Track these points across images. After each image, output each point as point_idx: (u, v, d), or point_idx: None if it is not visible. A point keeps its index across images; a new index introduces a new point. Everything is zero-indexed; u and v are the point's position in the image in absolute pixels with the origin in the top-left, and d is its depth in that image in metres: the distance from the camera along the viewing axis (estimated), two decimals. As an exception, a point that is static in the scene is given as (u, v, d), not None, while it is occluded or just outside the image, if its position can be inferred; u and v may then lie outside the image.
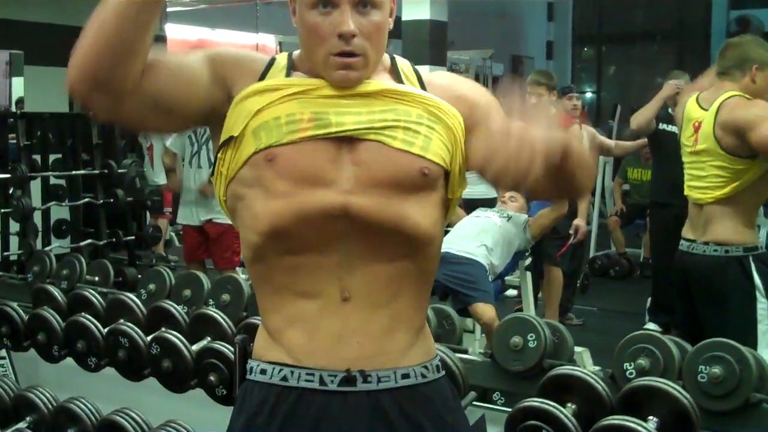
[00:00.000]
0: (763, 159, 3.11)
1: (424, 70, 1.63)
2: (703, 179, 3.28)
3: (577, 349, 3.27)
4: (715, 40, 13.15)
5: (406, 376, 1.51)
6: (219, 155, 1.51)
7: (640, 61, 19.90)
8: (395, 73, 1.58)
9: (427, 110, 1.51)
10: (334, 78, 1.48)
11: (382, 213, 1.45)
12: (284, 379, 1.49)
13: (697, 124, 3.32)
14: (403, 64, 1.60)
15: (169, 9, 9.92)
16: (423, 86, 1.57)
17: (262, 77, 1.53)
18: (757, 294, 3.16)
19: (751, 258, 3.20)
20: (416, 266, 1.52)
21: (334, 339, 1.47)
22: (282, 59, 1.57)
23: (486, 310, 4.47)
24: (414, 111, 1.50)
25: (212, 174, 1.56)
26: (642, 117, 5.52)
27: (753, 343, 3.07)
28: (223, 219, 5.64)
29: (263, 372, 1.52)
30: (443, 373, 1.61)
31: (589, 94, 15.81)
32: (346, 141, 1.47)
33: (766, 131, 3.01)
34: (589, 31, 20.29)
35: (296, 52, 1.58)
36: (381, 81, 1.54)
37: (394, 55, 1.61)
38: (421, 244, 1.51)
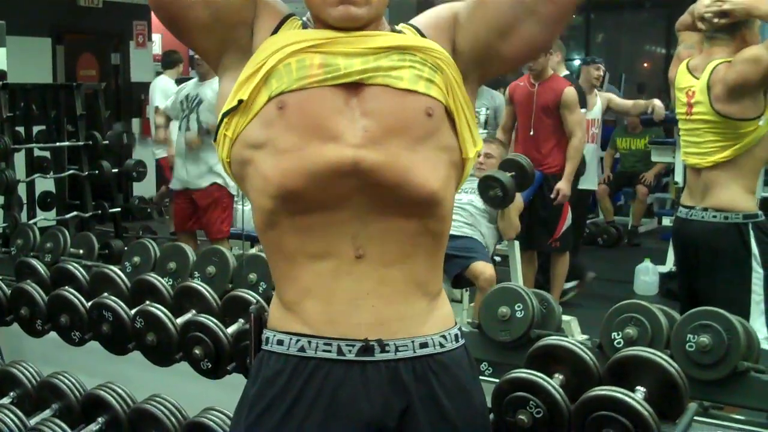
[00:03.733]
0: (765, 122, 3.06)
1: (416, 20, 1.61)
2: (700, 145, 3.23)
3: (565, 318, 3.26)
4: (704, 6, 13.07)
5: (424, 345, 1.50)
6: (225, 120, 1.48)
7: (629, 29, 19.82)
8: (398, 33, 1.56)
9: (433, 59, 1.49)
10: (334, 15, 1.45)
11: (392, 169, 1.43)
12: (302, 349, 1.47)
13: (690, 93, 3.27)
14: (402, 26, 1.58)
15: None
16: (422, 36, 1.56)
17: (280, 25, 1.52)
18: (753, 263, 3.12)
19: (750, 225, 3.15)
20: (427, 227, 1.50)
21: (349, 303, 1.46)
22: (297, 18, 1.55)
23: (486, 267, 4.45)
24: (419, 56, 1.49)
25: (215, 139, 1.52)
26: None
27: (746, 313, 3.04)
28: (216, 180, 5.63)
29: (280, 342, 1.49)
30: (462, 342, 1.59)
31: (577, 62, 15.75)
32: (354, 90, 1.45)
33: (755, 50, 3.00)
34: (578, -3, 20.20)
35: (308, 14, 1.56)
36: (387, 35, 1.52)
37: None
38: (429, 203, 1.48)
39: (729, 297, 3.10)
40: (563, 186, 5.36)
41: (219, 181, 5.69)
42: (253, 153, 1.45)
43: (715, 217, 3.20)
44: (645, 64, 19.83)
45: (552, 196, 5.35)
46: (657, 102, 7.08)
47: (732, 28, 3.15)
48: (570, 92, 5.40)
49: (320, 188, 1.42)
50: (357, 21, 1.46)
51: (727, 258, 3.20)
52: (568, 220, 5.59)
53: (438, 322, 1.54)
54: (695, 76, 3.27)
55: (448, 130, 1.50)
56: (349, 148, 1.41)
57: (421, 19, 1.59)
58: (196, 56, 5.69)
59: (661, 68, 19.38)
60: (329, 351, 1.46)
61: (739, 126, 3.11)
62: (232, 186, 5.75)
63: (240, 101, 1.45)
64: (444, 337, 1.54)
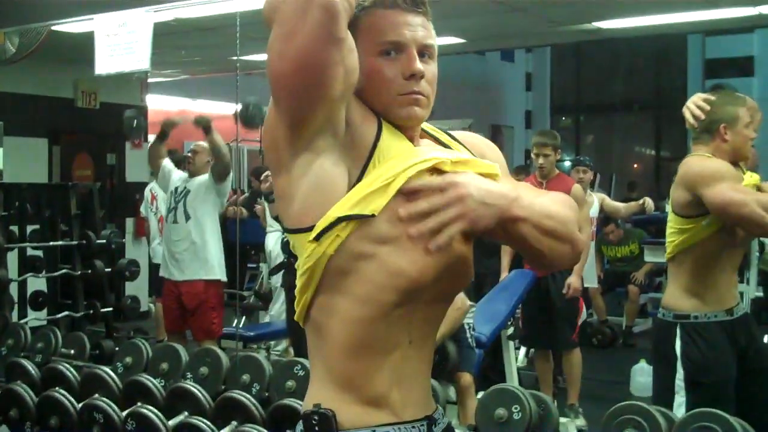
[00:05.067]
0: (707, 223, 3.03)
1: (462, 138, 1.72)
2: (666, 241, 3.25)
3: (562, 420, 3.21)
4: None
5: (443, 414, 1.64)
6: (343, 223, 1.47)
7: (618, 130, 20.15)
8: (431, 137, 1.66)
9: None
10: (401, 115, 1.55)
11: (470, 262, 1.58)
12: None
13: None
14: (430, 128, 1.68)
15: (150, 80, 9.95)
16: (461, 144, 1.68)
17: (380, 130, 1.54)
18: (677, 365, 3.05)
19: (678, 326, 3.08)
20: (446, 310, 1.64)
21: (411, 384, 1.56)
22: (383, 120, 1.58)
23: (465, 376, 4.43)
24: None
25: (319, 235, 1.48)
26: None
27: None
28: (203, 277, 5.62)
29: None
30: None
31: (567, 163, 15.97)
32: None
33: (722, 190, 2.94)
34: (567, 100, 20.59)
35: None
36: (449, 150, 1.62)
37: None
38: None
39: (658, 396, 3.07)
40: (574, 280, 5.39)
41: (204, 276, 5.68)
42: (377, 248, 1.48)
43: (659, 314, 3.21)
44: (635, 165, 20.08)
45: (564, 291, 5.35)
46: (648, 199, 7.22)
47: (709, 127, 3.15)
48: (578, 189, 5.43)
49: (440, 280, 1.51)
50: (419, 121, 1.58)
51: (659, 356, 3.19)
52: (583, 314, 5.56)
53: None
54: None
55: None
56: (457, 241, 1.52)
57: (462, 137, 1.71)
58: (189, 154, 5.78)
59: (650, 169, 19.66)
60: None
61: (682, 222, 3.08)
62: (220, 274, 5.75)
63: (373, 214, 1.47)
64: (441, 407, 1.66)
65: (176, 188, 5.77)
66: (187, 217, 5.66)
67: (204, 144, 5.76)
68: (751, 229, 3.05)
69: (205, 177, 5.67)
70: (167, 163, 5.97)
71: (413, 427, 1.54)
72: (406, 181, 1.49)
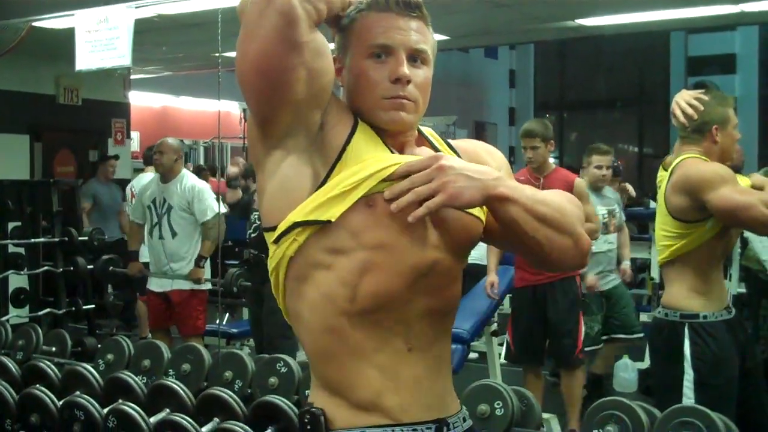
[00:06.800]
0: (710, 226, 3.02)
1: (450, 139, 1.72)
2: (658, 242, 3.22)
3: (545, 415, 3.22)
4: (674, 106, 13.38)
5: (465, 419, 1.62)
6: (299, 228, 1.48)
7: (601, 127, 20.23)
8: (430, 144, 1.65)
9: None
10: (384, 119, 1.54)
11: (455, 271, 1.58)
12: None
13: (659, 187, 3.28)
14: (430, 133, 1.67)
15: (132, 77, 9.91)
16: (456, 153, 1.65)
17: (353, 130, 1.53)
18: (685, 365, 3.02)
19: (686, 326, 3.06)
20: (451, 316, 1.63)
21: (413, 389, 1.53)
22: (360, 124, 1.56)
23: None
24: None
25: (278, 238, 1.50)
26: None
27: None
28: (187, 286, 5.60)
29: None
30: None
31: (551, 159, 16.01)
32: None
33: (727, 195, 2.93)
34: (551, 97, 20.67)
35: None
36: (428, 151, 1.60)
37: (418, 126, 1.65)
38: (459, 299, 1.64)
39: (664, 395, 3.04)
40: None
41: (193, 287, 5.66)
42: (334, 258, 1.48)
43: (659, 313, 3.17)
44: (618, 162, 20.20)
45: (584, 291, 5.02)
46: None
47: (701, 127, 3.14)
48: (582, 183, 5.00)
49: (403, 287, 1.50)
50: (405, 126, 1.56)
51: (663, 356, 3.14)
52: (583, 328, 5.18)
53: (456, 397, 1.64)
54: (666, 170, 3.27)
55: None
56: (431, 249, 1.52)
57: (459, 144, 1.70)
58: (155, 156, 5.68)
59: (633, 165, 19.77)
60: None
61: (680, 226, 3.07)
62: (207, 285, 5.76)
63: (329, 221, 1.46)
64: (465, 410, 1.65)
65: (154, 200, 5.69)
66: (174, 234, 5.61)
67: (170, 141, 5.69)
68: (759, 231, 3.04)
69: (184, 188, 5.59)
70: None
71: (414, 429, 1.52)
72: (369, 190, 1.47)
